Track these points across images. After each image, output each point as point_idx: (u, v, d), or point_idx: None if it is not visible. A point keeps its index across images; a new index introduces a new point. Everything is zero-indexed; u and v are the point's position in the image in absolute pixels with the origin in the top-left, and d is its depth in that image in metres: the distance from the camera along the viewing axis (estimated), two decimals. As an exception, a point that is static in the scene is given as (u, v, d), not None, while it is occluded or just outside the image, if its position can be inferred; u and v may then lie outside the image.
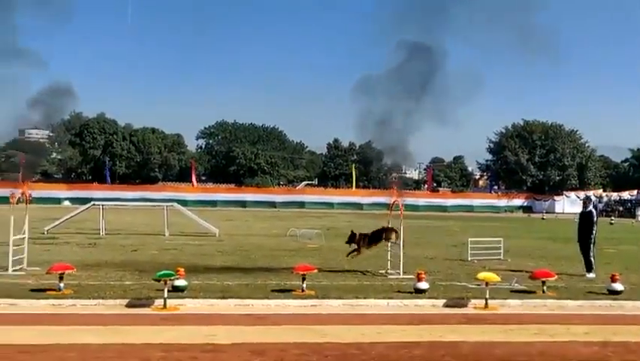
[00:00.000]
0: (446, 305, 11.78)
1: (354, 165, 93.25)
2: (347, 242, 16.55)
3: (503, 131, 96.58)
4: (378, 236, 16.24)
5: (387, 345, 8.68)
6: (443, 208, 73.57)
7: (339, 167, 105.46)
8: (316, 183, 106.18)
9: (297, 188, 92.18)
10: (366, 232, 16.87)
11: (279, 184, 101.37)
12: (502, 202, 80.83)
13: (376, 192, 77.45)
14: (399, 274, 15.00)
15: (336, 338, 9.02)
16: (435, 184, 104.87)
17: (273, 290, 12.52)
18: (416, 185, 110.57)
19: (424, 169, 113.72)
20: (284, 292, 12.36)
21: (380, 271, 15.79)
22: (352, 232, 16.66)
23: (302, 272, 12.56)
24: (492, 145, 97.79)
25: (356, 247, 16.23)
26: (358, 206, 71.58)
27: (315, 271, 13.18)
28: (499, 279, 12.32)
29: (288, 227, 28.74)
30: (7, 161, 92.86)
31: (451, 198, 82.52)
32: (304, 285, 12.33)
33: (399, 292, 12.67)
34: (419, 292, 12.36)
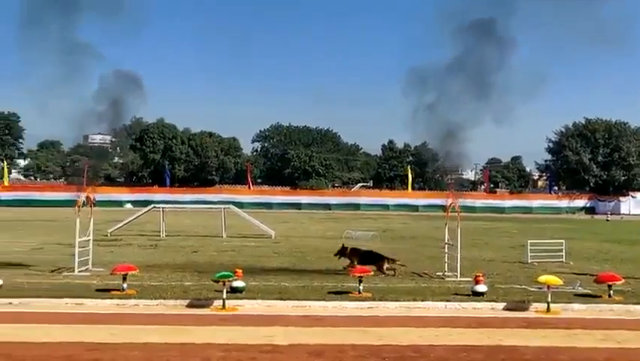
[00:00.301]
0: (506, 309, 11.54)
1: (409, 167, 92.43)
2: (336, 255, 16.32)
3: (563, 130, 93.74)
4: (369, 261, 15.55)
5: (445, 348, 8.58)
6: (501, 210, 71.97)
7: (394, 168, 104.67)
8: (371, 184, 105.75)
9: (352, 190, 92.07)
10: (360, 248, 16.64)
11: (333, 186, 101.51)
12: (563, 203, 78.42)
13: (432, 193, 76.54)
14: (456, 276, 14.80)
15: (393, 340, 8.98)
16: (492, 185, 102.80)
17: (329, 292, 12.56)
18: (473, 186, 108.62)
19: (481, 170, 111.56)
20: (341, 294, 12.38)
21: (437, 274, 15.61)
22: (343, 245, 16.60)
23: (358, 274, 12.55)
24: (551, 145, 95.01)
25: (349, 261, 15.76)
26: (414, 208, 70.91)
27: (372, 273, 13.15)
28: (561, 282, 11.97)
29: (343, 229, 28.75)
30: (72, 165, 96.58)
31: (509, 199, 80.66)
32: (361, 287, 12.32)
33: (456, 294, 12.49)
34: (477, 294, 12.16)
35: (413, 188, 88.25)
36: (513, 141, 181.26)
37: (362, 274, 12.55)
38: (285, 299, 11.78)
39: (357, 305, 11.57)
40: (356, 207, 70.41)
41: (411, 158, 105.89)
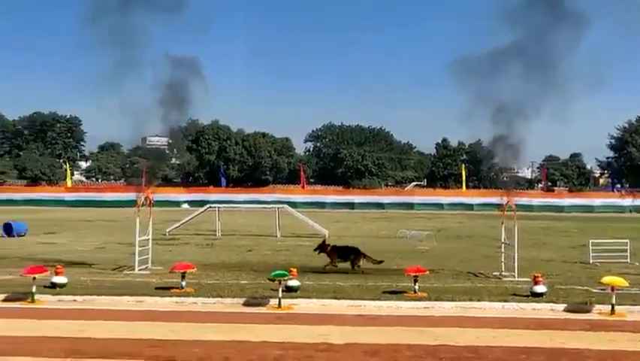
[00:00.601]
0: (567, 310, 11.22)
1: (463, 165, 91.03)
2: (315, 249, 16.37)
3: (626, 125, 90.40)
4: (345, 255, 15.77)
5: (504, 350, 8.41)
6: (559, 208, 69.88)
7: (448, 167, 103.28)
8: (425, 183, 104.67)
9: (406, 189, 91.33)
10: (339, 245, 16.60)
11: (386, 185, 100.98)
12: (627, 202, 75.41)
13: (487, 192, 74.99)
14: (513, 276, 14.49)
15: (449, 340, 8.87)
16: (550, 183, 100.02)
17: (384, 292, 12.50)
18: (529, 184, 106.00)
19: (538, 168, 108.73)
20: (396, 293, 12.31)
21: (494, 273, 15.32)
22: (324, 241, 16.55)
23: (414, 274, 12.45)
24: (613, 141, 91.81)
25: (330, 260, 15.81)
26: (468, 207, 69.68)
27: (427, 272, 13.02)
28: (627, 283, 11.53)
29: (397, 228, 28.57)
30: (131, 167, 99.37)
31: (568, 197, 78.22)
32: (416, 287, 12.22)
33: (514, 295, 12.22)
34: (536, 295, 11.86)
35: (467, 186, 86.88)
36: (572, 137, 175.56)
37: (417, 274, 12.44)
38: (339, 298, 11.81)
39: (413, 305, 11.48)
40: (409, 206, 69.71)
41: (465, 156, 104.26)
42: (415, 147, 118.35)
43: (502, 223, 15.93)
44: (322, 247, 16.30)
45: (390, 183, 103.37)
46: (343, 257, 15.76)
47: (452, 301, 11.64)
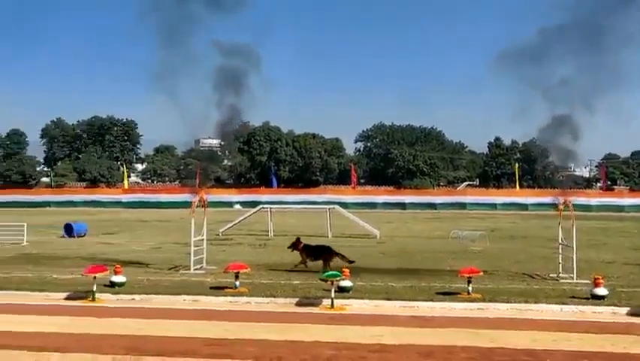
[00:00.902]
0: (630, 314, 10.83)
1: (517, 164, 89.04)
2: (289, 247, 16.30)
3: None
4: (317, 255, 15.77)
5: (564, 354, 8.19)
6: (619, 208, 67.45)
7: (502, 166, 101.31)
8: (477, 183, 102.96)
9: (458, 189, 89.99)
10: (313, 244, 16.47)
11: (438, 185, 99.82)
12: (691, 201, 72.33)
13: (542, 191, 73.15)
14: (572, 278, 14.08)
15: (506, 343, 8.70)
16: (609, 182, 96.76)
17: (437, 293, 12.37)
18: (587, 184, 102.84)
19: (596, 166, 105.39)
20: (449, 294, 12.16)
21: (551, 275, 14.93)
22: (298, 239, 16.35)
23: (467, 275, 12.27)
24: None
25: (301, 258, 15.76)
26: (523, 207, 68.04)
27: (481, 273, 12.81)
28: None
29: (449, 229, 28.19)
30: (185, 168, 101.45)
31: (629, 197, 75.44)
32: (470, 288, 12.04)
33: (573, 297, 11.89)
34: (597, 298, 11.50)
35: (521, 186, 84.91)
36: (632, 135, 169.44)
37: (471, 275, 12.25)
38: (392, 299, 11.75)
39: (466, 306, 11.32)
40: (462, 206, 68.65)
41: (518, 155, 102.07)
42: (467, 147, 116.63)
43: (559, 223, 15.51)
44: (295, 245, 16.30)
45: (442, 183, 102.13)
46: (315, 256, 15.82)
47: (507, 302, 11.41)
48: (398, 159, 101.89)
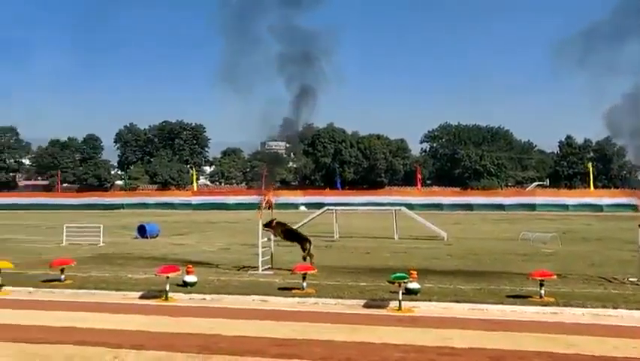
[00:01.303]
0: None
1: (590, 163, 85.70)
2: (264, 225, 16.60)
3: None
4: (292, 237, 16.92)
5: (645, 361, 7.83)
6: None
7: (573, 166, 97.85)
8: (547, 183, 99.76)
9: (527, 189, 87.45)
10: (288, 225, 17.43)
11: (506, 186, 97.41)
12: None
13: (618, 192, 70.01)
14: (654, 282, 13.44)
15: (583, 349, 8.39)
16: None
17: (507, 296, 12.08)
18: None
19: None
20: (520, 298, 11.85)
21: (630, 279, 14.28)
22: (273, 219, 16.81)
23: (539, 278, 11.91)
24: None
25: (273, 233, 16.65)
26: (597, 208, 65.41)
27: (554, 277, 12.41)
28: None
29: (518, 230, 27.46)
30: (251, 170, 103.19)
31: None
32: (542, 291, 11.68)
33: (655, 303, 11.33)
34: (681, 303, 10.93)
35: (595, 186, 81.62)
36: None
37: (543, 278, 11.89)
38: (461, 302, 11.56)
39: (539, 310, 10.99)
40: (531, 207, 66.68)
41: (592, 154, 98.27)
42: (536, 146, 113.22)
43: (639, 226, 14.81)
44: (268, 224, 16.77)
45: (510, 184, 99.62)
46: (290, 239, 17.01)
47: (583, 307, 11.01)
48: (465, 159, 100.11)
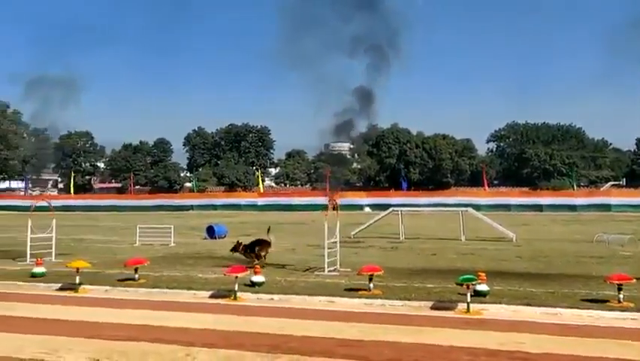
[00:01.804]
0: None
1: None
2: (231, 250, 17.84)
3: None
4: (252, 248, 17.46)
5: None
6: None
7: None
8: (623, 183, 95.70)
9: (601, 190, 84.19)
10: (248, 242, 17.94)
11: (578, 186, 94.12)
12: None
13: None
14: None
15: (667, 358, 7.99)
16: None
17: (582, 300, 11.65)
18: None
19: None
20: (596, 302, 11.41)
21: None
22: (238, 241, 17.95)
23: (617, 282, 11.44)
24: None
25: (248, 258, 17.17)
26: (680, 208, 62.16)
27: (633, 281, 11.87)
28: None
29: (591, 232, 26.46)
30: (316, 172, 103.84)
31: None
32: (621, 296, 11.21)
33: None
34: None
35: (678, 186, 77.57)
36: None
37: (621, 282, 11.41)
38: (532, 305, 11.23)
39: (617, 315, 10.54)
40: (606, 208, 64.02)
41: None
42: (611, 144, 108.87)
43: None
44: (235, 248, 17.86)
45: (582, 184, 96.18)
46: (252, 250, 17.55)
47: (668, 314, 10.48)
48: (533, 158, 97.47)
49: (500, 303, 11.41)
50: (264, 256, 17.58)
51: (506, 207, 64.88)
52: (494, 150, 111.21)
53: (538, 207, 65.14)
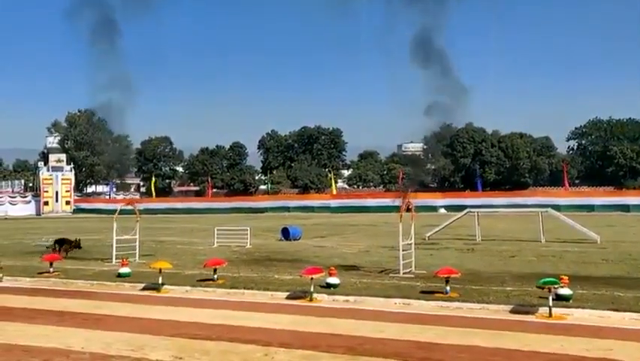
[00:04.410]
0: None
1: None
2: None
3: None
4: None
5: None
6: None
7: None
8: None
9: (693, 188, 79.23)
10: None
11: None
12: None
13: None
14: None
15: None
16: None
17: (676, 305, 11.01)
18: None
19: None
20: (691, 308, 10.75)
21: None
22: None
23: None
24: None
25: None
26: None
27: None
28: None
29: (685, 233, 24.95)
30: (389, 173, 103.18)
31: None
32: None
33: None
34: None
35: None
36: None
37: None
38: (620, 310, 10.71)
39: None
40: (703, 208, 60.25)
41: None
42: None
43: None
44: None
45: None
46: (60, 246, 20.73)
47: None
48: (618, 156, 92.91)
49: (585, 308, 10.94)
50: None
51: (589, 207, 62.30)
52: (575, 148, 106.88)
53: (625, 208, 62.15)
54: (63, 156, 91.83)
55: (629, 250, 21.81)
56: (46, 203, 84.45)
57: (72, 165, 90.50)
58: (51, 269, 16.85)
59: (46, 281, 15.94)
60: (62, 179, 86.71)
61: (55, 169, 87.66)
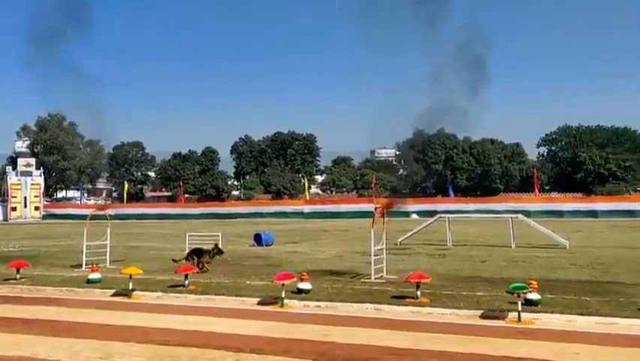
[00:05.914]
0: None
1: None
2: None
3: None
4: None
5: None
6: None
7: None
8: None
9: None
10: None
11: (635, 191, 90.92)
12: None
13: None
14: None
15: None
16: None
17: (641, 309, 11.23)
18: None
19: None
20: (657, 311, 10.97)
21: None
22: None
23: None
24: None
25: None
26: None
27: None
28: None
29: (651, 238, 25.50)
30: (361, 179, 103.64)
31: None
32: (682, 305, 10.76)
33: None
34: None
35: None
36: None
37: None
38: (587, 315, 10.88)
39: (678, 326, 10.12)
40: (666, 213, 61.68)
41: None
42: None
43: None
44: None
45: (639, 188, 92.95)
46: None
47: None
48: (587, 163, 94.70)
49: (553, 312, 11.10)
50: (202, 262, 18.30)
51: (559, 213, 63.33)
52: (545, 154, 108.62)
53: (593, 213, 63.33)
54: (32, 161, 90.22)
55: (596, 254, 22.20)
56: (14, 209, 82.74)
57: (42, 170, 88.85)
58: (18, 276, 16.50)
59: (12, 288, 15.60)
60: (31, 184, 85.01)
61: (24, 174, 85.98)
